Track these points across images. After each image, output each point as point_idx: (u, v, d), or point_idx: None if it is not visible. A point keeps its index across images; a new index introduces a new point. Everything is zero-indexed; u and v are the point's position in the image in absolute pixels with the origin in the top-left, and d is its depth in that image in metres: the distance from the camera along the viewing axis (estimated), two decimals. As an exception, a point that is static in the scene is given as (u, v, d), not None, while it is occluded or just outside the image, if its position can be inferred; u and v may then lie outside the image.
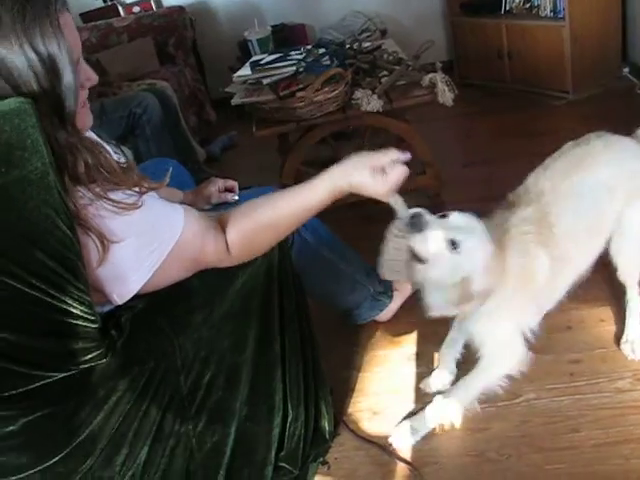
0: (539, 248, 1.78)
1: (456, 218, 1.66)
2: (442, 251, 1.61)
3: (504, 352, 1.90)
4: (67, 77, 1.21)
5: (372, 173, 1.50)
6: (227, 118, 4.69)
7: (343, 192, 1.55)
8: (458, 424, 1.93)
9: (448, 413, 1.93)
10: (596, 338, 2.15)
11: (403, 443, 1.92)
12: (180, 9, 4.89)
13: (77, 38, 1.27)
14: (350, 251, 2.31)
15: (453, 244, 1.61)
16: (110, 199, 1.25)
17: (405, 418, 1.99)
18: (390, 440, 1.93)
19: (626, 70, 4.30)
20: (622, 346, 2.07)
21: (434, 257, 1.62)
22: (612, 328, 2.17)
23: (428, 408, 1.95)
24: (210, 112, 4.81)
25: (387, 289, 2.34)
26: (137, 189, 1.31)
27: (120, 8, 4.99)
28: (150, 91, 3.65)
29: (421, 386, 2.12)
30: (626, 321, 2.11)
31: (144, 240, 1.31)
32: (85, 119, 1.35)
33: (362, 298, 2.30)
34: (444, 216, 1.65)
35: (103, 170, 1.27)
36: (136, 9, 4.96)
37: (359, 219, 3.05)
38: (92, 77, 1.34)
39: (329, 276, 2.23)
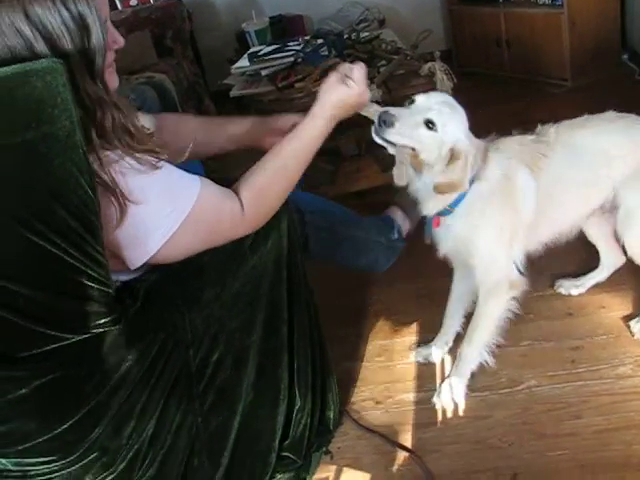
0: (523, 166, 1.85)
1: (422, 101, 1.78)
2: (421, 136, 1.72)
3: (494, 270, 1.91)
4: (96, 34, 1.25)
5: (342, 83, 1.63)
6: (226, 110, 4.68)
7: (335, 118, 1.66)
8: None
9: (475, 356, 1.98)
10: (597, 325, 2.16)
11: (450, 400, 1.98)
12: (177, 1, 4.87)
13: (105, 1, 1.34)
14: (358, 216, 2.30)
15: (428, 124, 1.72)
16: (133, 156, 1.30)
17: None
18: (433, 401, 2.00)
19: (625, 57, 4.29)
20: (631, 322, 2.09)
21: (417, 141, 1.73)
22: (613, 314, 2.18)
23: (455, 366, 2.02)
24: (209, 104, 4.79)
25: (399, 234, 2.34)
26: (157, 155, 1.36)
27: (117, 1, 4.98)
28: (148, 84, 3.64)
29: (416, 357, 2.19)
30: None
31: (161, 203, 1.34)
32: (112, 80, 1.41)
33: (379, 252, 2.29)
34: (412, 102, 1.78)
35: (129, 127, 1.32)
36: (133, 2, 4.95)
37: (363, 208, 3.05)
38: (119, 40, 1.41)
39: (349, 248, 2.22)
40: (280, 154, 1.57)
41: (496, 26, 4.41)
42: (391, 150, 1.79)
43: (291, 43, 3.49)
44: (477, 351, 1.97)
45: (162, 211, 1.34)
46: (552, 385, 1.97)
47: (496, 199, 1.84)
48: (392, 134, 1.73)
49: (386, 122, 1.72)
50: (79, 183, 1.19)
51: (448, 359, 2.14)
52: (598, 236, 2.21)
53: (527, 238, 1.93)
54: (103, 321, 1.33)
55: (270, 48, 3.47)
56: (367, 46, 3.25)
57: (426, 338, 2.25)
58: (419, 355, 2.19)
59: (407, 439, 1.91)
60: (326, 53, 3.06)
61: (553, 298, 2.32)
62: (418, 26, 3.65)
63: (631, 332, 2.07)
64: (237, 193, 1.49)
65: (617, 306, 2.21)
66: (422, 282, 2.52)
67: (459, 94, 3.06)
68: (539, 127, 1.96)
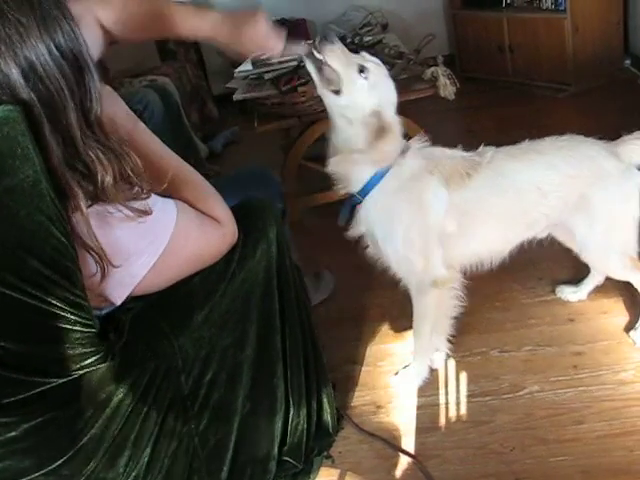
0: (437, 174, 1.83)
1: (364, 54, 1.81)
2: (352, 74, 1.72)
3: (411, 271, 1.93)
4: (92, 72, 1.20)
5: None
6: (229, 114, 4.69)
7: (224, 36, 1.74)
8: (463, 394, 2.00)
9: (424, 350, 2.04)
10: (598, 330, 2.15)
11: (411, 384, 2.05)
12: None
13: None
14: None
15: (361, 70, 1.72)
16: (122, 205, 1.24)
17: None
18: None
19: (628, 62, 4.30)
20: (631, 332, 2.08)
21: (345, 76, 1.73)
22: (614, 320, 2.18)
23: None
24: (212, 108, 4.81)
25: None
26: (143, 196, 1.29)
27: (121, 4, 4.99)
28: (151, 87, 3.64)
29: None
30: None
31: (138, 237, 1.30)
32: None
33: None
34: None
35: (129, 174, 1.25)
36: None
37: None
38: None
39: None
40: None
41: (499, 31, 4.42)
42: (321, 89, 1.78)
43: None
44: (424, 342, 2.01)
45: (140, 243, 1.30)
46: (554, 390, 1.97)
47: (403, 197, 1.84)
48: (329, 51, 1.72)
49: (327, 38, 1.72)
50: (49, 231, 1.16)
51: (451, 364, 2.14)
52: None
53: (445, 251, 1.92)
54: (89, 361, 1.31)
55: (273, 52, 3.48)
56: (370, 50, 3.24)
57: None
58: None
59: (409, 443, 1.90)
60: (329, 57, 3.06)
61: (554, 303, 2.31)
62: (421, 31, 3.65)
63: (633, 341, 2.07)
64: (208, 211, 1.47)
65: (618, 311, 2.21)
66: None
67: (462, 98, 3.09)
68: (481, 147, 1.94)
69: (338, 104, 1.77)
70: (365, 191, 1.84)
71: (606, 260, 2.01)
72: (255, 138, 3.49)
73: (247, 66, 3.24)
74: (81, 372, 1.31)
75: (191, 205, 1.43)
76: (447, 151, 1.92)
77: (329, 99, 1.79)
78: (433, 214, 1.85)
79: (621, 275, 2.05)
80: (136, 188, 1.26)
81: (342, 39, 3.34)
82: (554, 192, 1.88)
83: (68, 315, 1.24)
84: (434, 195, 1.84)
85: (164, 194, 1.37)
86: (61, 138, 1.16)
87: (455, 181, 1.83)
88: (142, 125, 1.47)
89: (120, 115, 1.41)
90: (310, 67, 1.77)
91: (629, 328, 2.10)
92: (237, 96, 3.06)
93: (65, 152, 1.17)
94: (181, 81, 4.35)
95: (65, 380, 1.30)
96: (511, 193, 1.88)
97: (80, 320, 1.26)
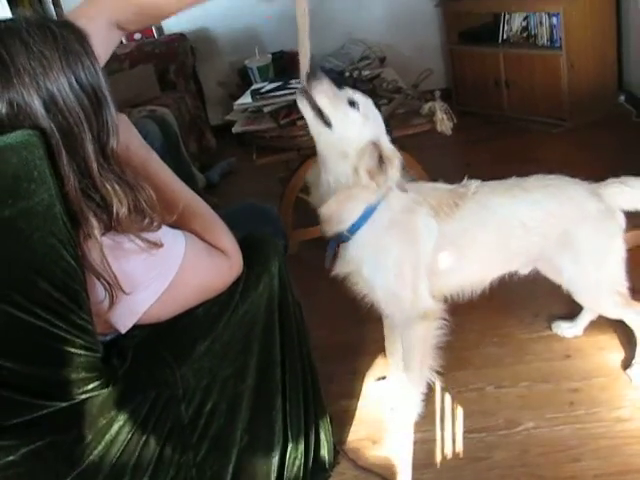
0: (426, 205, 1.85)
1: (347, 89, 1.81)
2: (343, 107, 1.73)
3: (398, 306, 1.93)
4: (110, 106, 1.24)
5: None
6: (227, 144, 4.72)
7: None
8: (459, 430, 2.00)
9: (415, 384, 2.02)
10: (595, 367, 2.15)
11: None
12: (181, 36, 4.94)
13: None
14: None
15: (351, 103, 1.74)
16: (134, 236, 1.27)
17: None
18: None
19: (622, 98, 4.34)
20: (628, 370, 2.08)
21: (335, 116, 1.73)
22: (611, 356, 2.18)
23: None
24: (210, 138, 4.84)
25: None
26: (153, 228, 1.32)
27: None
28: (151, 118, 3.67)
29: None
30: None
31: (146, 268, 1.32)
32: None
33: None
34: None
35: (143, 207, 1.28)
36: (137, 36, 5.01)
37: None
38: None
39: None
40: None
41: (495, 66, 4.47)
42: (313, 127, 1.78)
43: (293, 80, 3.53)
44: (415, 375, 2.00)
45: (149, 273, 1.32)
46: (550, 427, 1.96)
47: (395, 231, 1.85)
48: (317, 90, 1.74)
49: (315, 75, 1.74)
50: (61, 255, 1.18)
51: (447, 399, 2.13)
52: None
53: (430, 281, 1.93)
54: (91, 386, 1.32)
55: (272, 85, 3.50)
56: (368, 84, 3.28)
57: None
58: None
59: (405, 480, 1.90)
60: (327, 91, 3.09)
61: (551, 339, 2.31)
62: (419, 65, 3.69)
63: (630, 378, 2.07)
64: (216, 243, 1.49)
65: (615, 347, 2.21)
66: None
67: (459, 133, 3.11)
68: (465, 179, 1.97)
69: (331, 138, 1.77)
70: (354, 228, 1.84)
71: (596, 298, 2.03)
72: (252, 169, 3.51)
73: (246, 99, 3.27)
74: (83, 397, 1.32)
75: (199, 236, 1.45)
76: (432, 184, 1.96)
77: (322, 135, 1.78)
78: (424, 246, 1.87)
79: (613, 313, 2.06)
80: (147, 219, 1.28)
81: (340, 72, 3.39)
82: (536, 228, 1.91)
83: (74, 339, 1.26)
84: (425, 226, 1.86)
85: (173, 225, 1.40)
86: (78, 168, 1.19)
87: (444, 212, 1.86)
88: (155, 155, 1.51)
89: (135, 143, 1.46)
90: (301, 104, 1.78)
91: (625, 365, 2.11)
92: (236, 129, 3.08)
93: (81, 181, 1.20)
94: (180, 111, 4.38)
95: (67, 404, 1.31)
96: (494, 226, 1.92)
97: (85, 344, 1.28)
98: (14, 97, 1.14)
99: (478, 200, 1.90)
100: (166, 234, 1.36)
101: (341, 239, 1.88)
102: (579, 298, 2.05)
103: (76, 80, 1.18)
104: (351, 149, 1.75)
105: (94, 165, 1.21)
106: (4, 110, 1.14)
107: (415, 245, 1.87)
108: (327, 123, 1.76)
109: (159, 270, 1.34)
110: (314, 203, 1.90)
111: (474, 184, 1.93)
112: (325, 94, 1.74)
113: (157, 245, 1.29)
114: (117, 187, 1.23)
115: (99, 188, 1.22)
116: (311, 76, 1.75)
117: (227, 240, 1.51)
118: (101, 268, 1.23)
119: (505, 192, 1.93)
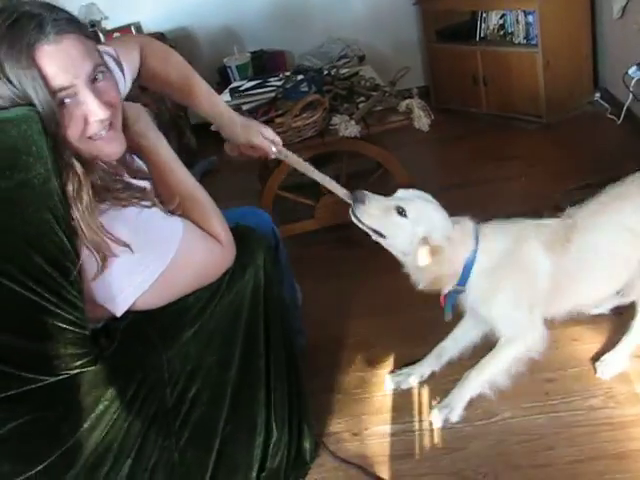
0: (538, 246, 1.91)
1: (401, 193, 1.89)
2: (393, 219, 1.82)
3: (517, 328, 1.98)
4: (44, 109, 1.22)
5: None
6: (207, 143, 4.71)
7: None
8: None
9: (473, 388, 2.02)
10: (570, 357, 2.19)
11: (443, 422, 2.02)
12: (160, 36, 4.93)
13: (69, 67, 1.25)
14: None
15: (400, 211, 1.81)
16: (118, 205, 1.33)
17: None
18: (431, 420, 2.04)
19: (597, 95, 4.39)
20: (597, 363, 2.12)
21: (384, 226, 1.83)
22: (585, 347, 2.22)
23: (457, 387, 2.05)
24: (190, 137, 4.84)
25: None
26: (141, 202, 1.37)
27: (101, 35, 5.03)
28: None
29: (390, 384, 2.22)
30: (620, 343, 2.13)
31: (142, 252, 1.33)
32: (101, 149, 1.35)
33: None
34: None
35: (111, 186, 1.34)
36: (116, 35, 5.00)
37: (339, 242, 3.10)
38: (95, 112, 1.29)
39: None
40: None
41: (473, 64, 4.50)
42: (372, 236, 1.89)
43: (272, 79, 3.56)
44: (481, 382, 2.01)
45: (147, 257, 1.35)
46: (526, 417, 2.00)
47: (504, 273, 1.92)
48: (362, 212, 1.83)
49: (357, 199, 1.83)
50: (54, 230, 1.21)
51: (425, 392, 2.17)
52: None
53: (548, 308, 2.00)
54: (79, 362, 1.34)
55: (251, 83, 3.53)
56: (346, 82, 3.31)
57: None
58: (392, 381, 2.22)
59: (384, 470, 1.92)
60: (306, 89, 3.12)
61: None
62: (397, 63, 3.73)
63: (598, 372, 2.11)
64: (212, 231, 1.52)
65: (589, 339, 2.25)
66: (399, 316, 2.54)
67: (437, 130, 3.15)
68: (567, 209, 2.01)
69: (389, 244, 1.88)
70: (464, 280, 1.91)
71: None
72: (233, 168, 3.53)
73: (225, 97, 3.28)
74: (71, 372, 1.34)
75: (196, 223, 1.48)
76: (537, 221, 1.99)
77: (382, 242, 1.89)
78: (540, 279, 1.93)
79: None
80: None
81: (319, 71, 3.42)
82: None
83: (64, 314, 1.28)
84: (536, 260, 1.92)
85: (173, 210, 1.44)
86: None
87: (558, 247, 1.91)
88: (165, 142, 1.55)
89: (147, 129, 1.53)
90: (357, 223, 1.87)
91: (598, 356, 2.15)
92: (215, 127, 3.08)
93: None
94: (160, 110, 4.37)
95: (54, 379, 1.33)
96: (605, 248, 1.96)
97: (74, 320, 1.29)
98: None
99: (587, 228, 1.94)
100: (165, 219, 1.40)
101: (457, 292, 1.95)
102: None
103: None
104: (407, 249, 1.85)
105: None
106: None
107: (528, 281, 1.94)
108: (382, 235, 1.86)
109: (157, 253, 1.37)
110: (414, 284, 1.95)
111: (576, 213, 1.97)
112: (371, 215, 1.83)
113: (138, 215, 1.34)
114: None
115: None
116: (355, 201, 1.84)
117: (222, 230, 1.54)
118: (94, 232, 1.26)
119: (607, 207, 1.97)
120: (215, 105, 1.93)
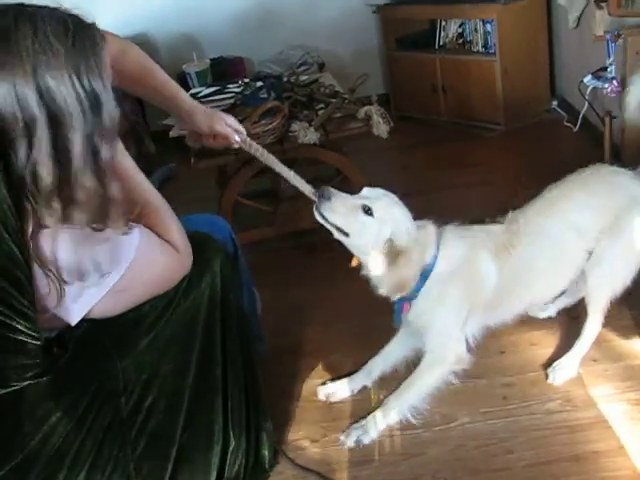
0: (488, 253, 1.92)
1: (367, 191, 1.87)
2: (358, 217, 1.80)
3: (444, 348, 1.99)
4: (109, 112, 1.24)
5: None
6: (166, 150, 4.68)
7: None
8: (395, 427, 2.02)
9: (396, 413, 2.01)
10: (527, 362, 2.21)
11: (354, 443, 1.99)
12: (118, 41, 4.88)
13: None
14: None
15: (366, 210, 1.79)
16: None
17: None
18: (341, 438, 2.02)
19: (555, 103, 4.47)
20: (549, 369, 2.14)
21: (349, 224, 1.81)
22: (542, 352, 2.24)
23: (377, 412, 2.03)
24: (149, 144, 4.79)
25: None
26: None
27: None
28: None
29: (321, 395, 2.21)
30: (573, 349, 2.15)
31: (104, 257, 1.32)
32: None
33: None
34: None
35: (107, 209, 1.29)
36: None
37: (301, 248, 3.10)
38: None
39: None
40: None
41: (432, 72, 4.54)
42: (335, 234, 1.86)
43: (231, 85, 3.54)
44: (401, 410, 2.01)
45: (102, 265, 1.32)
46: (485, 421, 2.01)
47: (457, 280, 1.92)
48: (326, 209, 1.80)
49: (323, 195, 1.80)
50: (2, 238, 1.18)
51: (384, 396, 2.16)
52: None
53: (487, 315, 2.02)
54: (30, 373, 1.32)
55: (210, 90, 3.51)
56: (306, 89, 3.31)
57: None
58: (322, 393, 2.22)
59: (343, 477, 1.92)
60: (265, 96, 3.10)
61: (486, 336, 2.35)
62: (356, 70, 3.73)
63: (548, 377, 2.13)
64: (169, 239, 1.49)
65: (547, 343, 2.28)
66: (357, 321, 2.54)
67: (396, 137, 3.16)
68: (509, 214, 2.01)
69: (353, 244, 1.86)
70: (418, 288, 1.90)
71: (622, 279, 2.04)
72: (193, 175, 3.51)
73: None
74: (22, 384, 1.31)
75: (153, 230, 1.45)
76: (481, 227, 2.00)
77: (345, 241, 1.87)
78: (485, 289, 1.94)
79: (597, 309, 2.09)
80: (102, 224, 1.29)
81: (278, 77, 3.41)
82: (592, 227, 1.96)
83: (14, 323, 1.25)
84: (486, 271, 1.93)
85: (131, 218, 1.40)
86: (58, 159, 1.18)
87: (504, 254, 1.92)
88: (123, 148, 1.50)
89: None
90: (320, 220, 1.85)
91: (556, 360, 2.17)
92: (174, 133, 3.07)
93: (59, 172, 1.19)
94: (118, 117, 4.32)
95: (4, 391, 1.29)
96: (550, 248, 1.97)
97: (25, 330, 1.27)
98: (6, 77, 1.13)
99: (531, 231, 1.95)
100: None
101: (408, 298, 1.93)
102: (594, 288, 2.06)
103: (77, 78, 1.18)
104: (372, 250, 1.84)
105: (77, 160, 1.20)
106: None
107: (476, 289, 1.94)
108: (345, 233, 1.83)
109: (113, 261, 1.34)
110: (373, 287, 1.94)
111: (520, 217, 1.98)
112: (336, 212, 1.81)
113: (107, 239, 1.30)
114: (91, 193, 1.24)
115: (74, 184, 1.21)
116: (320, 197, 1.81)
117: (179, 237, 1.52)
118: (51, 259, 1.22)
119: (551, 208, 1.98)
120: (175, 93, 1.91)
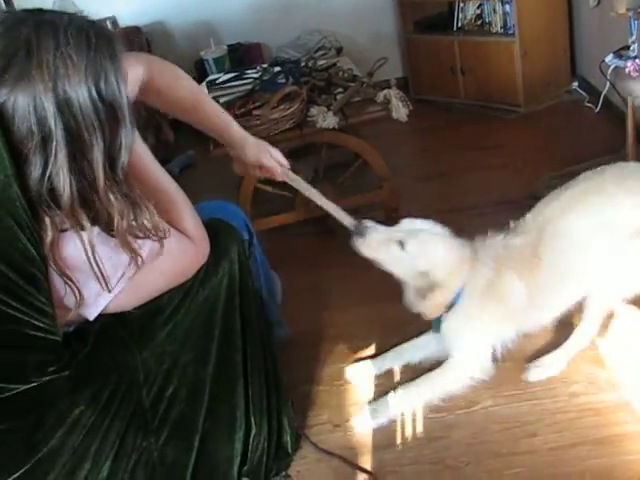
0: (513, 274, 1.90)
1: (404, 224, 1.91)
2: (393, 251, 1.85)
3: (469, 357, 2.01)
4: (127, 128, 1.23)
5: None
6: (185, 137, 4.69)
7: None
8: (419, 411, 2.03)
9: (408, 402, 2.03)
10: (551, 345, 2.19)
11: (364, 426, 2.01)
12: (136, 29, 4.88)
13: None
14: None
15: (400, 244, 1.83)
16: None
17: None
18: (352, 422, 2.03)
19: (575, 84, 4.42)
20: (529, 364, 2.11)
21: (384, 258, 1.87)
22: (564, 333, 2.21)
23: (390, 395, 2.04)
24: (168, 132, 4.80)
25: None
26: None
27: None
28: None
29: (348, 374, 2.23)
30: (560, 348, 2.12)
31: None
32: None
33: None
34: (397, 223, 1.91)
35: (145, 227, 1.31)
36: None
37: (319, 234, 3.09)
38: None
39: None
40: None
41: (451, 54, 4.50)
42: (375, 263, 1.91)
43: (249, 71, 3.53)
44: (415, 401, 2.03)
45: (119, 258, 1.31)
46: (508, 404, 2.00)
47: (484, 301, 1.92)
48: (361, 245, 1.87)
49: (357, 231, 1.87)
50: (17, 236, 1.17)
51: (407, 379, 2.16)
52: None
53: (524, 326, 2.01)
54: (51, 369, 1.32)
55: (228, 76, 3.51)
56: (324, 74, 3.29)
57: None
58: (350, 372, 2.23)
59: (366, 461, 1.92)
60: (283, 81, 3.10)
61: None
62: (375, 54, 3.71)
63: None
64: (186, 230, 1.49)
65: (571, 326, 2.24)
66: (378, 306, 2.53)
67: (415, 120, 3.14)
68: (537, 207, 1.97)
69: (390, 271, 1.91)
70: (452, 304, 1.93)
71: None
72: (211, 162, 3.50)
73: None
74: (43, 379, 1.31)
75: (168, 220, 1.44)
76: (504, 242, 1.95)
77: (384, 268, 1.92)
78: (515, 306, 1.93)
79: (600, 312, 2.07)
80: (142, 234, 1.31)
81: (296, 62, 3.40)
82: (621, 224, 1.87)
83: (32, 320, 1.25)
84: (513, 292, 1.91)
85: None
86: (81, 173, 1.18)
87: (528, 272, 1.90)
88: (139, 137, 1.49)
89: None
90: (360, 251, 1.90)
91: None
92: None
93: (83, 186, 1.19)
94: (137, 106, 4.33)
95: (27, 387, 1.30)
96: (578, 249, 1.89)
97: (43, 326, 1.27)
98: (27, 88, 1.12)
99: (556, 232, 1.88)
100: None
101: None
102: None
103: (97, 91, 1.17)
104: (406, 279, 1.91)
105: (101, 175, 1.20)
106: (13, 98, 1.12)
107: (505, 308, 1.94)
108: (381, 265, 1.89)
109: (129, 256, 1.33)
110: (408, 305, 1.97)
111: (541, 217, 1.93)
112: (371, 247, 1.87)
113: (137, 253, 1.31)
114: (120, 202, 1.24)
115: (102, 199, 1.22)
116: (356, 233, 1.88)
117: (195, 226, 1.51)
118: (70, 264, 1.23)
119: (577, 205, 1.90)
120: (227, 124, 1.90)
